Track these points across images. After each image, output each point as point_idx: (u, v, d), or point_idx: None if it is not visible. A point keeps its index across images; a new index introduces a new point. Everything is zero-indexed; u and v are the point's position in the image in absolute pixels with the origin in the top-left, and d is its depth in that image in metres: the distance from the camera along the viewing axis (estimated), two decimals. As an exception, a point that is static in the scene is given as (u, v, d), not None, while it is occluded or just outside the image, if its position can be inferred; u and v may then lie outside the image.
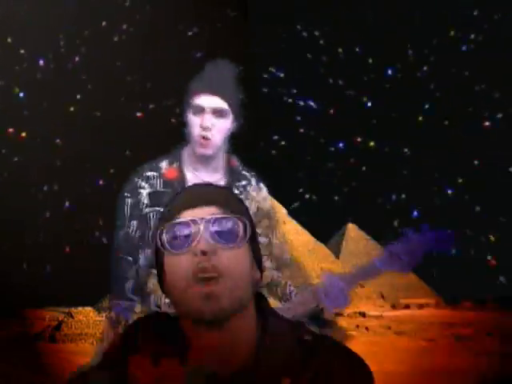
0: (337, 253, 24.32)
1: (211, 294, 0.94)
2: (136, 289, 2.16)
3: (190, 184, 2.11)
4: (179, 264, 0.97)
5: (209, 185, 1.12)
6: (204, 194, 1.03)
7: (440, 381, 8.58)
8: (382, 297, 21.10)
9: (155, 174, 2.18)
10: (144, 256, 2.15)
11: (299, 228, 22.97)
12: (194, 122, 2.08)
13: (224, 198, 1.04)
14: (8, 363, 8.59)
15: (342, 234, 26.99)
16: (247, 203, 2.11)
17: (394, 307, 19.89)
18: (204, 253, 0.95)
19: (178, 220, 0.99)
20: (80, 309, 14.61)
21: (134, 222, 2.16)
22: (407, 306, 19.86)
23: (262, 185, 2.29)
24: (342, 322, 15.19)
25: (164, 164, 2.20)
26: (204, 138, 2.07)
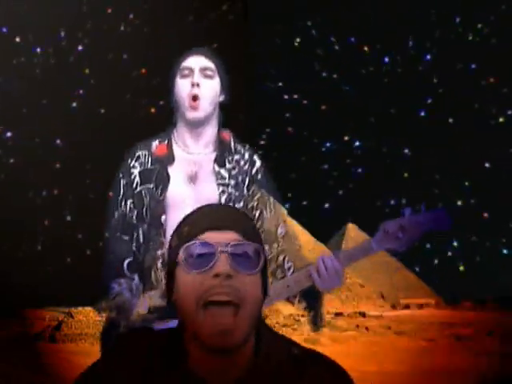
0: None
1: (225, 330, 0.96)
2: (134, 267, 2.21)
3: (178, 160, 2.20)
4: (194, 283, 0.99)
5: (226, 206, 1.16)
6: (225, 218, 1.05)
7: (440, 381, 8.58)
8: (382, 297, 21.08)
9: (145, 152, 2.22)
10: (141, 233, 2.19)
11: (299, 228, 22.98)
12: (183, 84, 2.12)
13: (243, 223, 1.06)
14: (8, 363, 8.58)
15: (341, 234, 26.95)
16: (239, 178, 2.16)
17: (393, 307, 19.88)
18: (228, 276, 0.97)
19: (199, 240, 1.01)
20: (80, 309, 14.59)
21: (129, 201, 2.21)
22: (407, 306, 19.85)
23: (255, 158, 2.30)
24: (342, 322, 15.21)
25: (155, 142, 2.24)
26: (194, 97, 2.11)
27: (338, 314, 16.02)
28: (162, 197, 2.15)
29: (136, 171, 2.17)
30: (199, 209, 1.12)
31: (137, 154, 2.22)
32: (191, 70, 2.10)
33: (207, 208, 1.14)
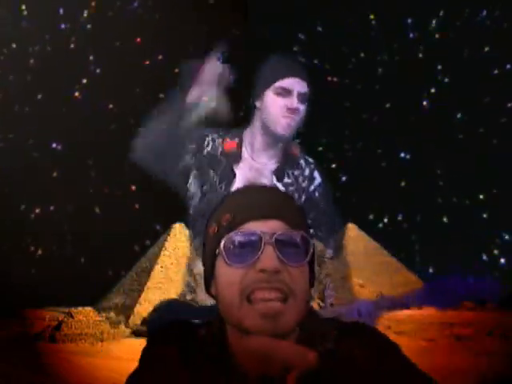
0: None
1: (274, 314, 0.88)
2: None
3: (243, 162, 2.14)
4: (237, 277, 0.91)
5: (270, 190, 1.04)
6: (270, 205, 0.96)
7: (440, 381, 8.57)
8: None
9: (219, 139, 2.18)
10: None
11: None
12: (277, 102, 2.07)
13: (288, 209, 0.98)
14: (8, 363, 8.58)
15: (341, 234, 26.99)
16: (296, 195, 2.11)
17: (394, 307, 19.89)
18: (276, 272, 0.89)
19: (242, 230, 0.93)
20: (80, 309, 14.60)
21: (195, 173, 2.17)
22: (407, 306, 19.86)
23: (316, 174, 2.25)
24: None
25: (228, 136, 2.21)
26: (290, 119, 2.06)
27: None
28: (225, 192, 2.09)
29: (205, 151, 2.14)
30: (240, 192, 1.02)
31: (212, 136, 2.18)
32: (289, 92, 2.05)
33: (250, 192, 1.02)
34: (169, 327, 1.05)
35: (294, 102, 2.05)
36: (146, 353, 1.03)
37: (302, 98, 2.07)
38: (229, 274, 0.93)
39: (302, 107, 2.09)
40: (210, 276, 0.99)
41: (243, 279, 0.91)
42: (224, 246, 0.94)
